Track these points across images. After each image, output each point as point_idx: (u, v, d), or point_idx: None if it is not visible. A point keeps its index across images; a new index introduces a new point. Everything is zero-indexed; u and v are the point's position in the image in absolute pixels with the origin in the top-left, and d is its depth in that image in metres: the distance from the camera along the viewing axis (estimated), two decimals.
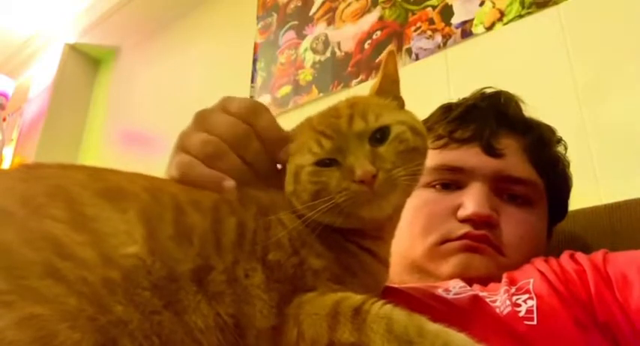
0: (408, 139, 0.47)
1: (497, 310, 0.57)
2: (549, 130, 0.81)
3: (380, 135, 0.46)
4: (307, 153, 0.47)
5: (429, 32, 1.48)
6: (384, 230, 0.52)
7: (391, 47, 1.54)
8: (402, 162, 0.46)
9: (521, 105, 0.81)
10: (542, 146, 0.78)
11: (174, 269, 0.38)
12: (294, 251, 0.44)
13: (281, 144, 0.50)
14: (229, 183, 0.47)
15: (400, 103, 0.53)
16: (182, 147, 0.51)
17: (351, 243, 0.48)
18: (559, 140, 0.82)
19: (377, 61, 1.58)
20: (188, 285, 0.38)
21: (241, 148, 0.50)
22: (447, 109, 0.81)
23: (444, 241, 0.70)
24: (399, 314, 0.38)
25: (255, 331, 0.39)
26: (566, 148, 0.83)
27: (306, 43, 1.84)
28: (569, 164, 0.83)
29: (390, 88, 0.52)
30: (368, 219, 0.47)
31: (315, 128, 0.48)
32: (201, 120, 0.52)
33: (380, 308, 0.39)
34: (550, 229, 0.80)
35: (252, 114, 0.51)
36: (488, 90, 0.82)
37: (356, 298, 0.40)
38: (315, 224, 0.45)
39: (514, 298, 0.59)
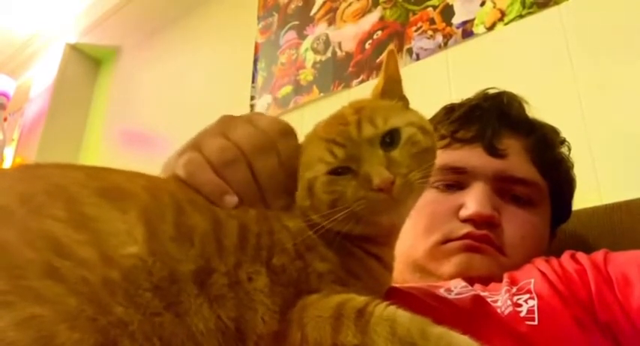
0: (420, 141, 0.46)
1: (499, 310, 0.57)
2: (553, 131, 0.81)
3: (390, 139, 0.45)
4: (319, 164, 0.46)
5: (430, 32, 1.48)
6: (391, 235, 0.51)
7: (391, 46, 1.53)
8: (416, 164, 0.45)
9: (525, 105, 0.81)
10: (545, 147, 0.78)
11: (176, 270, 0.37)
12: (299, 255, 0.43)
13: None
14: (231, 199, 0.45)
15: (405, 103, 0.52)
16: (196, 145, 0.49)
17: (357, 247, 0.47)
18: (563, 141, 0.82)
19: (378, 61, 1.58)
20: (189, 287, 0.37)
21: (256, 159, 0.47)
22: (449, 110, 0.81)
23: (446, 241, 0.70)
24: (403, 317, 0.38)
25: (255, 337, 0.39)
26: (569, 149, 0.83)
27: (306, 43, 1.84)
28: (573, 165, 0.83)
29: (393, 89, 0.51)
30: (386, 224, 0.47)
31: (324, 137, 0.47)
32: (224, 124, 0.50)
33: (383, 310, 0.38)
34: (553, 230, 0.80)
35: (280, 135, 0.49)
36: (492, 91, 0.82)
37: (359, 300, 0.40)
38: (331, 233, 0.44)
39: (515, 298, 0.59)
